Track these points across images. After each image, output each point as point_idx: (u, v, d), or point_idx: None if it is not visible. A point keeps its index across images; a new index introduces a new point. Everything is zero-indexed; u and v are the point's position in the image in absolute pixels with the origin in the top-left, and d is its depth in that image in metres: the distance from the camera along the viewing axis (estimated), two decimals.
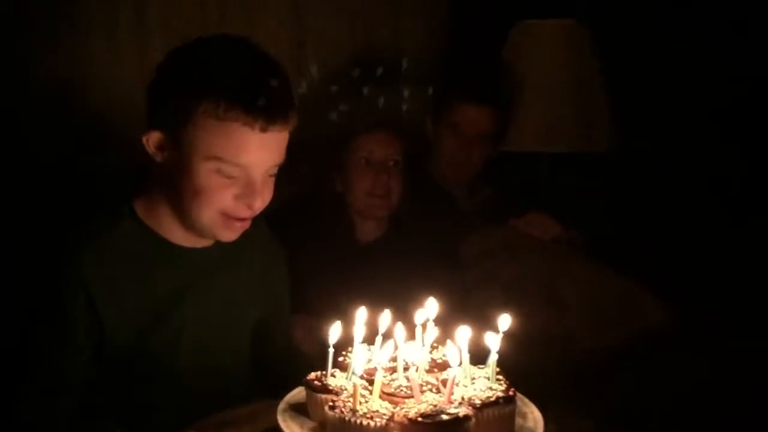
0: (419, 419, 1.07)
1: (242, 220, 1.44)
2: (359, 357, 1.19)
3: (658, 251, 2.37)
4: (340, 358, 1.25)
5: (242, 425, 1.28)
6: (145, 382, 1.48)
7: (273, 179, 1.46)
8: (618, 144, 2.57)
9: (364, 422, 1.08)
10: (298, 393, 1.26)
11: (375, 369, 1.18)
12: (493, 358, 1.18)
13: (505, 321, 1.19)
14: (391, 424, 1.10)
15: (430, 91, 2.06)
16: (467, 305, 1.92)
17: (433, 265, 2.01)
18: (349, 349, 1.25)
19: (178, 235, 1.50)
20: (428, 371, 1.24)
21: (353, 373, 1.19)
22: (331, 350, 1.22)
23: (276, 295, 1.68)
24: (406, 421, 1.08)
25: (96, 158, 2.00)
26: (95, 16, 2.04)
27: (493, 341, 1.17)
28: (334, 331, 1.22)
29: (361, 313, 1.24)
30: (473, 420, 1.09)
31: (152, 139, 1.42)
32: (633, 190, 2.67)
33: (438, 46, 2.70)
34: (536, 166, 2.61)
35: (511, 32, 2.60)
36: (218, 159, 1.37)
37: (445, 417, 1.07)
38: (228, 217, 1.42)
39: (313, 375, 1.22)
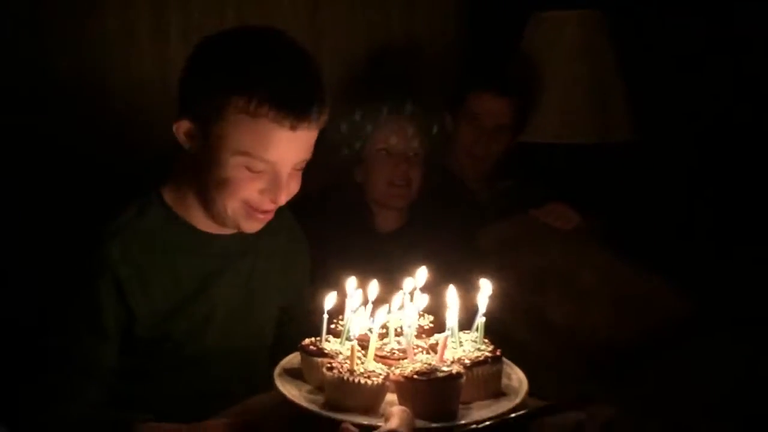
0: (415, 376, 1.13)
1: (266, 212, 1.46)
2: (354, 321, 1.24)
3: (677, 241, 2.39)
4: (332, 325, 1.30)
5: (267, 410, 1.30)
6: (173, 369, 1.50)
7: (300, 173, 1.47)
8: (635, 134, 2.57)
9: (362, 381, 1.14)
10: (291, 359, 1.31)
11: (366, 335, 1.23)
12: (480, 320, 1.25)
13: (487, 285, 1.25)
14: (387, 383, 1.16)
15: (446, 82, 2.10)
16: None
17: (452, 257, 1.99)
18: (341, 317, 1.30)
19: (204, 222, 1.52)
20: (417, 337, 1.30)
21: (347, 338, 1.24)
22: (326, 317, 1.27)
23: (297, 281, 1.70)
24: (402, 379, 1.14)
25: (117, 150, 2.01)
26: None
27: (481, 304, 1.24)
28: (330, 299, 1.27)
29: (352, 282, 1.29)
30: (464, 378, 1.15)
31: (182, 128, 1.43)
32: (651, 179, 2.66)
33: (452, 36, 2.70)
34: (553, 157, 2.60)
35: (528, 23, 2.60)
36: (247, 154, 1.38)
37: (439, 374, 1.13)
38: (252, 208, 1.44)
39: (307, 341, 1.27)
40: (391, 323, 1.28)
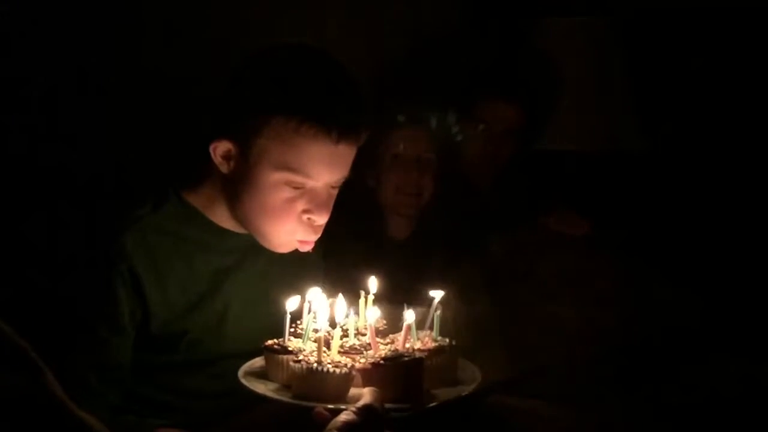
0: (381, 362, 1.19)
1: (308, 243, 1.49)
2: (321, 314, 1.29)
3: (687, 247, 2.37)
4: (292, 329, 1.35)
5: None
6: (190, 368, 1.49)
7: (336, 193, 1.49)
8: (644, 142, 2.56)
9: (331, 369, 1.18)
10: (253, 363, 1.34)
11: (327, 335, 1.29)
12: (436, 317, 1.32)
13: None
14: (354, 372, 1.21)
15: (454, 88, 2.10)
16: (494, 303, 1.92)
17: (462, 265, 1.98)
18: (299, 322, 1.35)
19: (226, 222, 1.53)
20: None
21: (309, 337, 1.29)
22: (288, 317, 1.32)
23: (308, 281, 1.64)
24: (369, 366, 1.20)
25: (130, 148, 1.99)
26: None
27: (436, 298, 1.32)
28: (292, 302, 1.33)
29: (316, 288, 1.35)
30: (427, 363, 1.22)
31: (220, 149, 1.44)
32: (661, 187, 2.64)
33: (460, 42, 2.65)
34: (562, 164, 2.57)
35: (537, 29, 2.58)
36: (289, 169, 1.40)
37: (404, 358, 1.19)
38: (296, 241, 1.47)
39: (270, 341, 1.31)
40: (350, 324, 1.34)
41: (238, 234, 1.56)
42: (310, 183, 1.43)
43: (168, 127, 1.94)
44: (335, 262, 1.80)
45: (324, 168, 1.42)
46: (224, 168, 1.46)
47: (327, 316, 1.32)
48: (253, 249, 1.57)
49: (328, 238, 1.74)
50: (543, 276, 2.15)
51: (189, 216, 1.52)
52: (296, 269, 1.63)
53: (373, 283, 1.41)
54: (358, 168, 2.01)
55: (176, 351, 1.48)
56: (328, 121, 1.38)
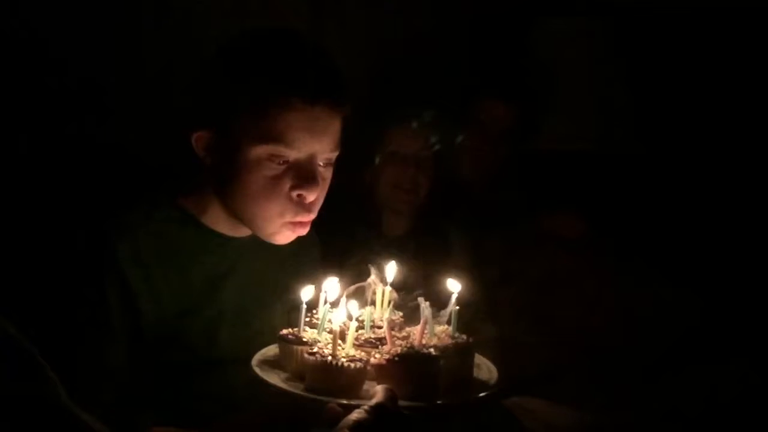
0: (396, 359, 1.17)
1: (300, 223, 1.45)
2: (333, 312, 1.27)
3: (686, 247, 2.37)
4: (307, 318, 1.33)
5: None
6: (186, 373, 1.47)
7: (329, 174, 1.46)
8: (643, 142, 2.57)
9: (345, 363, 1.17)
10: (266, 351, 1.33)
11: (343, 326, 1.27)
12: (453, 312, 1.30)
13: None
14: (368, 367, 1.20)
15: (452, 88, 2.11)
16: (490, 301, 1.97)
17: (457, 264, 1.99)
18: (315, 311, 1.34)
19: (221, 225, 1.51)
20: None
21: (325, 328, 1.28)
22: (304, 307, 1.30)
23: (305, 282, 1.64)
24: (384, 362, 1.18)
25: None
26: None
27: (454, 292, 1.30)
28: (307, 292, 1.31)
29: (331, 278, 1.33)
30: (443, 361, 1.20)
31: (201, 140, 1.43)
32: (660, 187, 2.63)
33: (458, 41, 2.65)
34: (560, 164, 2.53)
35: (534, 28, 2.58)
36: (268, 141, 1.37)
37: (420, 355, 1.17)
38: (290, 224, 1.44)
39: (285, 331, 1.29)
40: (366, 316, 1.32)
41: (232, 238, 1.55)
42: (293, 154, 1.40)
43: (163, 132, 1.92)
44: (329, 260, 1.78)
45: (303, 135, 1.39)
46: (208, 160, 1.44)
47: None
48: (247, 254, 1.56)
49: (322, 235, 1.72)
50: (539, 277, 2.17)
51: (182, 221, 1.50)
52: (292, 272, 1.59)
53: (391, 270, 1.39)
54: (355, 165, 2.02)
55: (171, 355, 1.46)
56: (301, 84, 1.37)
